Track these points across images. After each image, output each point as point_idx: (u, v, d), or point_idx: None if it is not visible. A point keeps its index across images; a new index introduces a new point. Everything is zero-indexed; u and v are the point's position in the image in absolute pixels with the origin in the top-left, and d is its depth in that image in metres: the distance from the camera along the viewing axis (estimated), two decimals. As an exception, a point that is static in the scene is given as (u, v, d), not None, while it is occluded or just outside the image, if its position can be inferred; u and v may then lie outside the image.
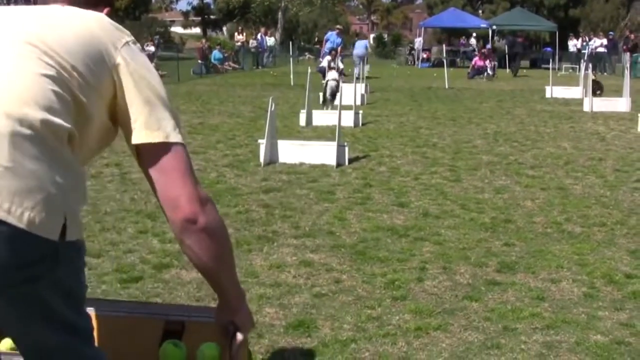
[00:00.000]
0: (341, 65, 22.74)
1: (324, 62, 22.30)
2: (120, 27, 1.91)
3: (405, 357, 3.58)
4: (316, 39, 44.64)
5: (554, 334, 3.85)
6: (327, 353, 3.60)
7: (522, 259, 5.14)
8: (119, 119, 1.89)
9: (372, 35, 42.65)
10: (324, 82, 14.92)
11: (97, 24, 1.87)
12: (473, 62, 30.71)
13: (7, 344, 2.69)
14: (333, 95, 13.62)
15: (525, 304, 4.28)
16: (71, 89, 1.75)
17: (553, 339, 3.78)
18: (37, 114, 1.65)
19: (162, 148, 1.87)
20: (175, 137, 1.89)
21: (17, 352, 2.28)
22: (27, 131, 1.63)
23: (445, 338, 3.79)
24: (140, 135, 1.86)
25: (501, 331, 3.88)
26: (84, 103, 1.78)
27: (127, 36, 1.90)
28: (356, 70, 23.35)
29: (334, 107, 13.11)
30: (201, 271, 2.04)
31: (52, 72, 1.73)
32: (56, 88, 1.72)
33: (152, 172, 1.88)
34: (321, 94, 14.25)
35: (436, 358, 3.57)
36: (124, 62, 1.85)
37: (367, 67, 28.11)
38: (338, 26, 29.47)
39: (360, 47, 31.60)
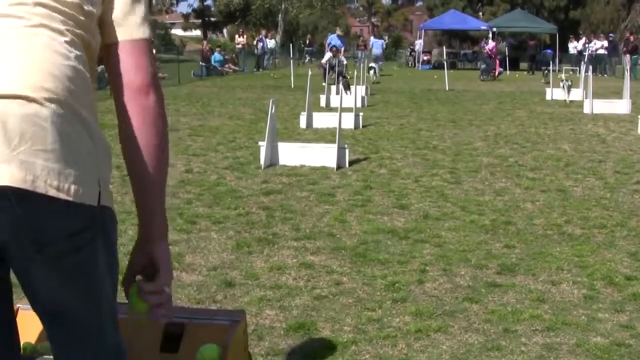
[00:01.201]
0: (344, 61, 22.98)
1: (325, 59, 22.54)
2: None
3: (405, 359, 3.58)
4: (307, 42, 44.49)
5: (554, 335, 3.86)
6: (327, 355, 3.61)
7: (523, 261, 5.14)
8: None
9: (371, 37, 42.62)
10: (324, 83, 15.07)
11: None
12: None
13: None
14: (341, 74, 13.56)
15: (526, 305, 4.28)
16: (83, 39, 1.79)
17: (553, 341, 3.78)
18: (62, 88, 1.69)
19: (145, 44, 1.88)
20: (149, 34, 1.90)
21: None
22: (59, 109, 1.68)
23: (446, 340, 3.79)
24: (127, 31, 1.86)
25: (501, 333, 3.88)
26: (92, 43, 1.82)
27: None
28: (372, 73, 23.84)
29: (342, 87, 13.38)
30: (134, 163, 1.87)
31: (62, 30, 1.75)
32: (72, 50, 1.75)
33: (124, 55, 1.85)
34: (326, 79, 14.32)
35: (436, 360, 3.58)
36: None
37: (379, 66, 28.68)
38: (338, 30, 29.60)
39: (378, 46, 31.77)
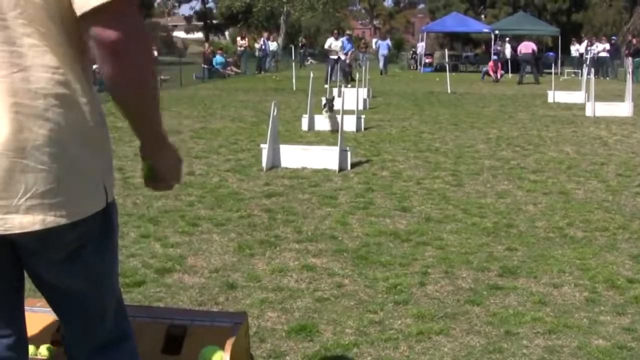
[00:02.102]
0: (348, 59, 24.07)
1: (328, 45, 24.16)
2: None
3: (407, 361, 3.58)
4: (300, 43, 44.54)
5: (556, 338, 3.85)
6: (329, 357, 3.61)
7: (524, 263, 5.14)
8: None
9: (374, 40, 42.70)
10: (327, 85, 15.20)
11: None
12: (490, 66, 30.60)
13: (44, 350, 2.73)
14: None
15: (527, 308, 4.28)
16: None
17: (555, 344, 3.78)
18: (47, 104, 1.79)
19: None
20: None
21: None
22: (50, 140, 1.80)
23: (447, 342, 3.80)
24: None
25: (503, 335, 3.88)
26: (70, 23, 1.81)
27: None
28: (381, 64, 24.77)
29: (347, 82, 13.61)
30: (114, 92, 1.87)
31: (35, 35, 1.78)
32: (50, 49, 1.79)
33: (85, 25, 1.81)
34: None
35: (438, 362, 3.58)
36: None
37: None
38: (348, 32, 30.43)
39: (384, 47, 32.25)
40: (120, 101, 1.89)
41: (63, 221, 1.83)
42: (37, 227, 1.80)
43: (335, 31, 25.61)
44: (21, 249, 1.91)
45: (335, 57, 23.77)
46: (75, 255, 1.93)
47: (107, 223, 1.99)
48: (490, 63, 30.84)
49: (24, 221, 1.79)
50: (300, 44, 43.97)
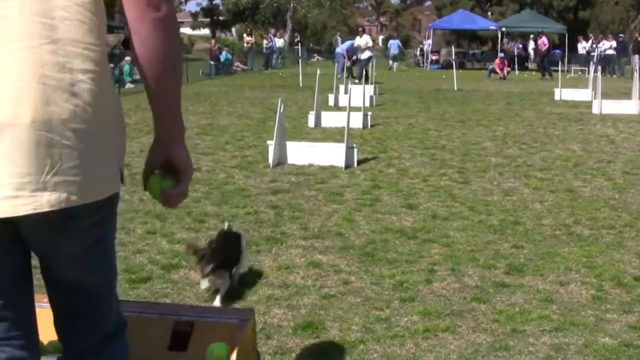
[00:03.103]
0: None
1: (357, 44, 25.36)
2: None
3: (413, 358, 3.58)
4: (296, 40, 44.57)
5: (562, 336, 3.85)
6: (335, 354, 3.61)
7: (531, 261, 5.13)
8: None
9: (380, 37, 42.76)
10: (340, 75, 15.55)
11: None
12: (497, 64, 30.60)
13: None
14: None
15: (534, 306, 4.28)
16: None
17: (561, 341, 3.78)
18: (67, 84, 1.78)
19: None
20: None
21: None
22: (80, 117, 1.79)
23: (454, 340, 3.80)
24: None
25: (509, 333, 3.88)
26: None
27: None
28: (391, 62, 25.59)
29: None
30: (150, 75, 1.93)
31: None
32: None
33: None
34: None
35: (444, 360, 3.58)
36: None
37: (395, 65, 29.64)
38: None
39: (395, 47, 32.53)
40: (162, 77, 1.94)
41: (86, 200, 1.81)
42: (63, 205, 1.76)
43: (360, 29, 26.61)
44: (38, 236, 1.86)
45: (368, 55, 24.76)
46: (92, 238, 1.92)
47: (115, 209, 2.01)
48: (497, 60, 30.83)
49: (52, 199, 1.75)
50: (296, 41, 43.81)
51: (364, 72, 20.02)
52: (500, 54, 31.85)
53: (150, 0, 1.85)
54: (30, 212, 1.73)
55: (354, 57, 25.33)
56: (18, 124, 1.70)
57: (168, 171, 2.00)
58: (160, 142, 2.02)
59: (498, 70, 29.92)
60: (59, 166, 1.74)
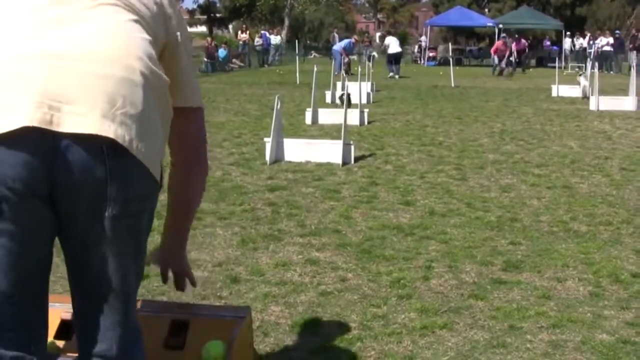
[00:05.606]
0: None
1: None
2: None
3: (410, 355, 3.58)
4: (286, 38, 44.65)
5: (560, 332, 3.85)
6: (332, 352, 3.61)
7: (528, 257, 5.13)
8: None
9: (377, 34, 42.67)
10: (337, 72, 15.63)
11: None
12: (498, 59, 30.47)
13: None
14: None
15: (531, 302, 4.27)
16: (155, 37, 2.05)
17: (559, 338, 3.78)
18: (145, 65, 1.92)
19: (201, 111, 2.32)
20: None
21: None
22: (147, 82, 1.91)
23: (451, 337, 3.79)
24: (193, 98, 2.25)
25: (507, 330, 3.88)
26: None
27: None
28: (392, 73, 26.16)
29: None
30: (185, 205, 2.41)
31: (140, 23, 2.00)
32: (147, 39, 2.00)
33: (190, 124, 2.27)
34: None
35: (442, 357, 3.57)
36: (177, 23, 2.17)
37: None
38: (355, 36, 33.26)
39: (396, 45, 32.82)
40: (190, 196, 2.39)
41: (144, 158, 1.87)
42: (126, 144, 1.80)
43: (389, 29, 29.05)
44: (83, 196, 1.82)
45: (395, 51, 27.82)
46: (128, 219, 1.92)
47: (153, 212, 2.07)
48: (499, 43, 30.57)
49: (118, 130, 1.80)
50: (286, 39, 43.79)
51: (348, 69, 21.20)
52: (503, 35, 31.65)
53: (205, 157, 2.36)
54: (95, 132, 1.77)
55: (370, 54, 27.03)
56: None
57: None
58: (171, 253, 2.54)
59: (498, 61, 29.63)
60: (127, 110, 1.83)
